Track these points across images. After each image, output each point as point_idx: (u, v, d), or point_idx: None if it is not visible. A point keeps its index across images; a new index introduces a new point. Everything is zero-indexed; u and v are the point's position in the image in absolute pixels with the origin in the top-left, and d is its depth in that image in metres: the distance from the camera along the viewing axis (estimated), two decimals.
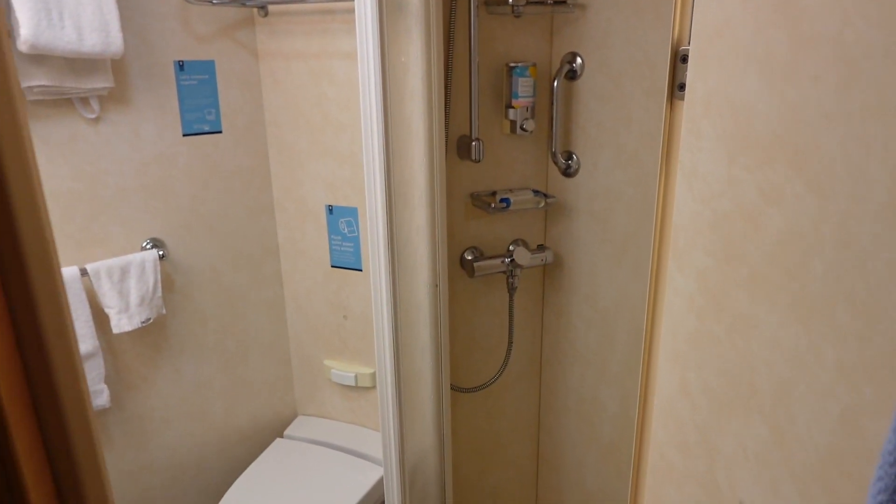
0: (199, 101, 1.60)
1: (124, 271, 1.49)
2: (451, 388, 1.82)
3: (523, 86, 1.62)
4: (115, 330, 1.50)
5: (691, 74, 0.78)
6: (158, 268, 1.54)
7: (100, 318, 1.52)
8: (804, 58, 0.68)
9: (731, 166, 0.75)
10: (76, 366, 0.36)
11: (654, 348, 0.91)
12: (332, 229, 1.74)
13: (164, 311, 1.60)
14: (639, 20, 1.52)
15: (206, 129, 1.63)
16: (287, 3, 1.56)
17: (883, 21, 0.60)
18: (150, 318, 1.54)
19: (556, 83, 1.65)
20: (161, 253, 1.56)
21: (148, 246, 1.57)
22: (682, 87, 0.79)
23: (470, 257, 1.75)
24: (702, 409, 0.86)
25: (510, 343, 1.82)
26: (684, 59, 0.78)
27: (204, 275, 1.71)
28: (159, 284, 1.55)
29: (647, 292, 0.91)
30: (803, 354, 0.72)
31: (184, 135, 1.60)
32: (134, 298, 1.51)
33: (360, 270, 1.76)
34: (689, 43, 0.76)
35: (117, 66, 1.45)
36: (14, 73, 0.33)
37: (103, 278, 1.46)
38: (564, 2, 1.61)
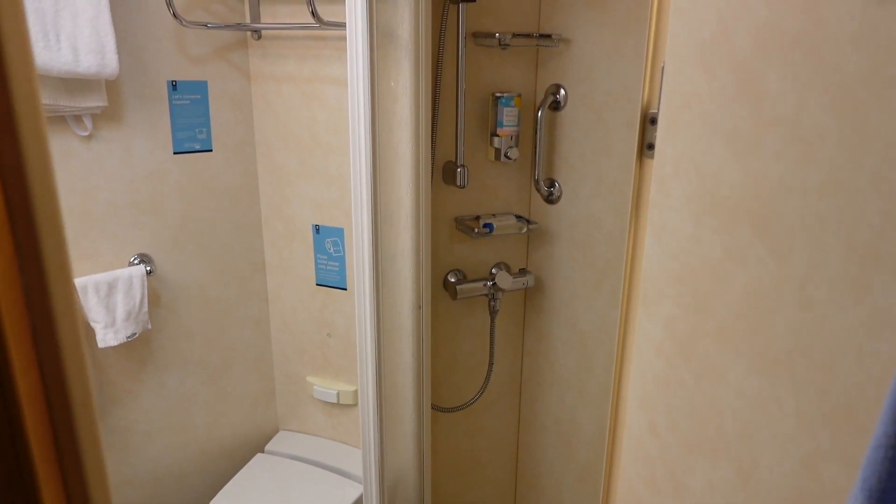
0: (191, 121, 1.64)
1: (111, 286, 1.51)
2: (432, 408, 1.85)
3: (508, 115, 1.67)
4: (101, 345, 1.52)
5: (661, 139, 0.83)
6: (146, 283, 1.56)
7: (85, 333, 1.54)
8: (766, 135, 0.73)
9: (699, 226, 0.81)
10: (85, 375, 0.39)
11: (623, 388, 0.96)
12: (319, 248, 1.78)
13: (149, 326, 1.62)
14: (620, 56, 1.57)
15: (197, 147, 1.66)
16: (280, 28, 1.60)
17: (836, 109, 0.66)
18: (135, 333, 1.56)
19: (540, 113, 1.70)
20: (149, 268, 1.58)
21: (136, 261, 1.59)
22: (650, 146, 0.83)
23: (453, 279, 1.79)
24: (670, 448, 0.90)
25: (491, 364, 1.85)
26: (653, 121, 0.83)
27: (190, 290, 1.74)
28: (146, 300, 1.57)
29: (616, 337, 0.95)
30: (766, 403, 0.77)
31: (175, 153, 1.63)
32: (120, 313, 1.53)
33: (345, 289, 1.79)
34: (657, 107, 0.81)
35: (111, 86, 1.48)
36: (38, 96, 0.36)
37: (90, 293, 1.48)
38: (549, 36, 1.66)
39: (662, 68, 0.80)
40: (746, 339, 0.78)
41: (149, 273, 1.59)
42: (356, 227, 1.41)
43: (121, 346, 1.62)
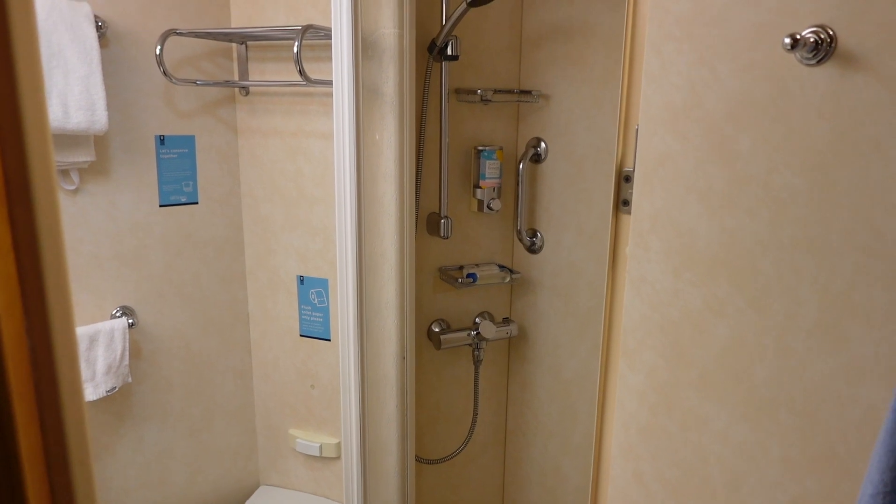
0: (178, 174, 1.65)
1: (93, 340, 1.50)
2: (416, 460, 1.83)
3: (490, 168, 1.71)
4: None
5: (637, 195, 0.87)
6: (127, 336, 1.55)
7: None
8: (739, 194, 0.77)
9: (678, 279, 0.84)
10: (82, 412, 0.40)
11: (606, 438, 0.97)
12: (303, 299, 1.78)
13: (129, 380, 1.60)
14: (598, 111, 1.63)
15: (183, 200, 1.68)
16: (268, 85, 1.64)
17: (805, 171, 0.71)
18: (115, 387, 1.54)
19: (521, 166, 1.74)
20: (131, 321, 1.57)
21: (118, 314, 1.59)
22: (625, 202, 0.87)
23: (437, 329, 1.80)
24: (656, 497, 0.91)
25: (475, 414, 1.85)
26: (627, 178, 0.87)
27: (172, 342, 1.72)
28: (127, 353, 1.56)
29: (597, 388, 0.97)
30: (752, 449, 0.79)
31: (161, 205, 1.64)
32: (101, 367, 1.51)
33: (329, 340, 1.79)
34: (633, 165, 0.85)
35: (99, 140, 1.50)
36: (51, 153, 0.37)
37: None
38: (529, 92, 1.72)
39: (637, 130, 0.85)
40: (729, 388, 0.80)
41: (131, 326, 1.58)
42: (341, 278, 1.42)
43: (99, 399, 1.59)
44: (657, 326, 0.84)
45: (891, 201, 0.64)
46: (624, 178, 0.87)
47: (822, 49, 0.68)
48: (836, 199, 0.69)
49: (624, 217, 0.88)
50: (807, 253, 0.72)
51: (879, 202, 0.66)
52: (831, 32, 0.67)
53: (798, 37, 0.66)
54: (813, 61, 0.69)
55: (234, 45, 1.69)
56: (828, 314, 0.71)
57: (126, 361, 1.56)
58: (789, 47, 0.66)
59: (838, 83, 0.67)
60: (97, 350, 1.50)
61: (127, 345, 1.55)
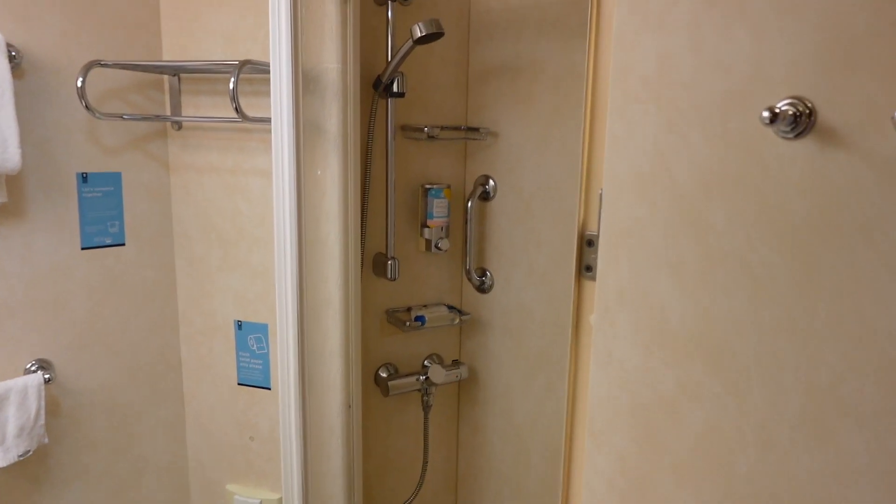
0: (102, 214, 1.54)
1: (3, 399, 1.35)
2: None
3: (438, 207, 1.66)
4: None
5: (603, 264, 0.81)
6: (43, 393, 1.41)
7: None
8: (714, 270, 0.72)
9: (649, 358, 0.78)
10: None
11: None
12: (241, 345, 1.67)
13: (46, 441, 1.45)
14: (547, 148, 1.61)
15: (108, 241, 1.56)
16: (202, 121, 1.55)
17: (784, 250, 0.67)
18: (29, 451, 1.40)
19: (469, 204, 1.70)
20: (47, 376, 1.44)
21: (33, 368, 1.44)
22: (588, 268, 0.82)
23: (385, 374, 1.72)
24: None
25: (425, 462, 1.77)
26: (590, 242, 0.81)
27: (95, 395, 1.58)
28: (42, 412, 1.42)
29: (561, 470, 0.91)
30: None
31: (83, 248, 1.51)
32: (11, 430, 1.36)
33: (269, 389, 1.68)
34: (596, 229, 0.80)
35: (13, 180, 1.38)
36: None
37: None
38: (477, 129, 1.69)
39: (601, 195, 0.80)
40: (707, 479, 0.74)
41: (47, 381, 1.44)
42: (281, 324, 1.33)
43: (11, 465, 1.44)
44: (626, 408, 0.79)
45: (880, 290, 0.60)
46: (587, 243, 0.82)
47: (801, 123, 0.64)
48: (820, 281, 0.65)
49: (587, 283, 0.83)
50: (789, 338, 0.67)
51: (868, 290, 0.61)
52: (810, 105, 0.64)
53: (777, 110, 0.62)
54: (791, 135, 0.65)
55: (165, 76, 1.60)
56: (813, 406, 0.66)
57: (42, 421, 1.42)
58: (768, 121, 0.61)
59: (819, 160, 0.64)
60: (7, 411, 1.36)
61: (43, 403, 1.41)
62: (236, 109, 1.27)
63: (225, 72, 1.50)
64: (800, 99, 0.64)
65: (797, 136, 0.64)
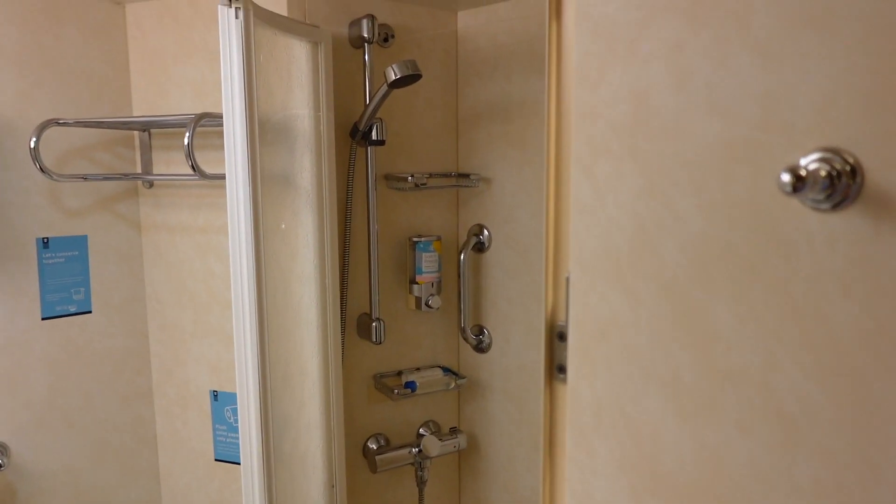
0: (65, 280, 1.43)
1: None
2: None
3: (427, 261, 1.53)
4: None
5: (574, 374, 0.63)
6: None
7: None
8: (721, 395, 0.53)
9: None
10: None
11: None
12: (217, 418, 1.54)
13: None
14: (542, 196, 1.47)
15: (73, 309, 1.45)
16: (168, 178, 1.45)
17: (824, 375, 0.47)
18: None
19: (462, 256, 1.56)
20: None
21: None
22: (561, 369, 0.64)
23: (374, 446, 1.56)
24: None
25: None
26: (562, 336, 0.64)
27: (57, 478, 1.45)
28: None
29: None
30: None
31: (43, 318, 1.41)
32: None
33: None
34: (566, 322, 0.63)
35: None
36: None
37: None
38: (468, 175, 1.56)
39: (567, 279, 0.63)
40: None
41: None
42: (241, 394, 1.19)
43: None
44: None
45: None
46: (558, 336, 0.64)
47: (841, 187, 0.44)
48: (877, 424, 0.45)
49: (560, 388, 0.65)
50: (830, 499, 0.47)
51: None
52: (852, 161, 0.44)
53: (802, 171, 0.42)
54: (826, 205, 0.46)
55: (136, 133, 1.51)
56: None
57: None
58: (790, 189, 0.42)
59: (870, 241, 0.44)
60: None
61: None
62: (192, 167, 1.16)
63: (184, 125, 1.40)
64: (836, 152, 0.45)
65: (835, 206, 0.45)
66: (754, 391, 0.51)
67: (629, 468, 0.58)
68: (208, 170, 1.40)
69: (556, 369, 0.64)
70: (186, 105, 1.45)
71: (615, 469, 0.59)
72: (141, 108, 1.50)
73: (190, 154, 1.15)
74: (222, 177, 1.25)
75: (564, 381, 0.63)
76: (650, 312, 0.57)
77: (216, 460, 1.56)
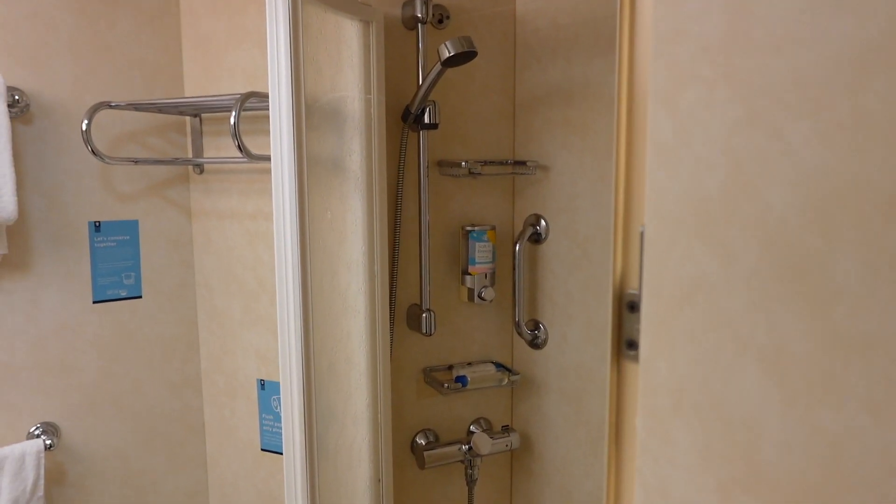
0: (117, 265, 1.43)
1: None
2: None
3: (481, 251, 1.46)
4: None
5: (648, 348, 0.53)
6: (42, 461, 1.29)
7: None
8: (846, 372, 0.42)
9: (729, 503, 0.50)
10: None
11: None
12: (264, 407, 1.51)
13: None
14: (604, 184, 1.38)
15: (123, 294, 1.45)
16: (218, 162, 1.43)
17: None
18: None
19: (518, 247, 1.49)
20: (49, 442, 1.31)
21: (37, 432, 1.33)
22: (631, 344, 0.55)
23: (423, 442, 1.51)
24: None
25: None
26: (632, 306, 0.55)
27: (107, 462, 1.45)
28: (41, 482, 1.29)
29: None
30: None
31: (94, 302, 1.41)
32: (4, 502, 1.24)
33: None
34: (639, 287, 0.54)
35: (14, 230, 1.29)
36: None
37: None
38: (524, 163, 1.49)
39: (641, 234, 0.54)
40: None
41: (49, 447, 1.32)
42: (284, 382, 1.15)
43: None
44: None
45: None
46: (628, 307, 0.55)
47: None
48: None
49: (630, 367, 0.55)
50: None
51: None
52: None
53: None
54: None
55: (187, 118, 1.50)
56: None
57: (41, 493, 1.29)
58: None
59: None
60: (1, 481, 1.24)
61: (42, 472, 1.29)
62: (239, 147, 1.12)
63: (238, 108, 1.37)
64: None
65: None
66: (889, 363, 0.41)
67: (716, 458, 0.48)
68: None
69: (624, 345, 0.55)
70: (238, 91, 1.43)
71: (698, 459, 0.49)
72: (191, 94, 1.49)
73: (236, 134, 1.11)
74: (269, 158, 1.22)
75: (636, 357, 0.54)
76: (749, 270, 0.47)
77: (262, 450, 1.53)
